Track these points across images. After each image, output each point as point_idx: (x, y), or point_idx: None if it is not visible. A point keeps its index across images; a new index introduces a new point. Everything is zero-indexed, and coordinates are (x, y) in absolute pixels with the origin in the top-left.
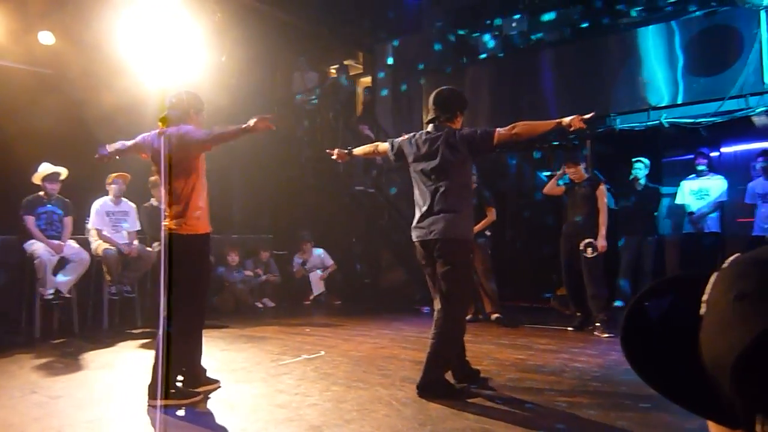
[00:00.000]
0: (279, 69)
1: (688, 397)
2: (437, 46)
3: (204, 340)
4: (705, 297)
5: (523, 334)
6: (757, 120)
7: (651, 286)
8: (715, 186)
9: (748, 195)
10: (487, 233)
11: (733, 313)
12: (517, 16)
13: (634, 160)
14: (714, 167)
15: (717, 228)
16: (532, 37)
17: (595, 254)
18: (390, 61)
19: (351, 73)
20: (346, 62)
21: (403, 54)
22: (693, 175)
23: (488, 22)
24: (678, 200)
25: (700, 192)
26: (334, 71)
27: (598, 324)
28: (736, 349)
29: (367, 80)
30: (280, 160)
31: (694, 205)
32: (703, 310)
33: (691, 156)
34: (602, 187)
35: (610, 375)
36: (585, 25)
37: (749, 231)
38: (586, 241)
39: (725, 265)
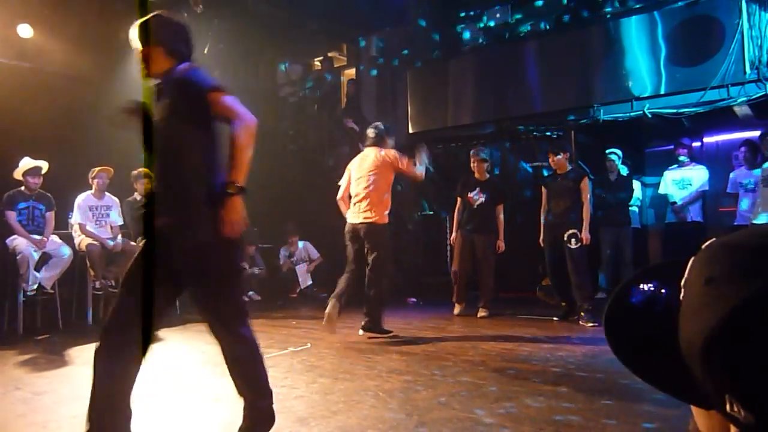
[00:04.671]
0: (262, 62)
1: (668, 381)
2: (422, 38)
3: (189, 333)
4: (683, 282)
5: (509, 324)
6: (739, 110)
7: (636, 274)
8: (697, 176)
9: (730, 184)
10: (494, 226)
11: (703, 297)
12: (500, 8)
13: (608, 151)
14: (695, 157)
15: (699, 217)
16: (516, 28)
17: (578, 245)
18: (375, 52)
19: (335, 66)
20: (330, 54)
21: (388, 46)
22: (675, 165)
23: (472, 13)
24: (661, 190)
25: (682, 182)
26: (318, 63)
27: (582, 314)
28: (704, 332)
29: (351, 72)
30: (265, 154)
31: (677, 194)
32: (681, 294)
33: (674, 146)
34: (586, 180)
35: (594, 363)
36: (568, 16)
37: (731, 220)
38: (570, 231)
39: (701, 249)
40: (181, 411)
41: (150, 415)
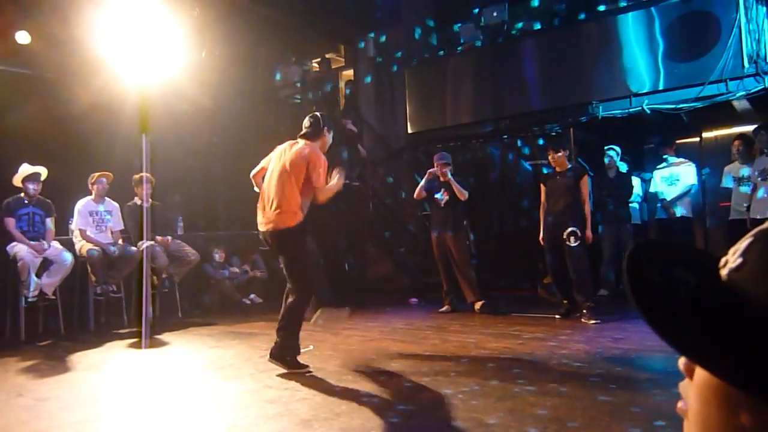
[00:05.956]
0: (260, 64)
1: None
2: (419, 38)
3: (192, 337)
4: (736, 254)
5: (511, 322)
6: (738, 104)
7: (635, 247)
8: (685, 172)
9: (724, 179)
10: (464, 222)
11: None
12: (497, 6)
13: (606, 147)
14: (680, 153)
15: (687, 212)
16: (513, 26)
17: (578, 243)
18: (372, 53)
19: (333, 67)
20: (327, 56)
21: (385, 46)
22: (664, 164)
23: (469, 12)
24: (651, 188)
25: (670, 178)
26: (316, 65)
27: (584, 311)
28: None
29: (349, 73)
30: (264, 156)
31: (666, 191)
32: (736, 261)
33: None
34: (586, 178)
35: (597, 361)
36: (565, 13)
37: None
38: (570, 229)
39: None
40: (184, 415)
41: (153, 419)
